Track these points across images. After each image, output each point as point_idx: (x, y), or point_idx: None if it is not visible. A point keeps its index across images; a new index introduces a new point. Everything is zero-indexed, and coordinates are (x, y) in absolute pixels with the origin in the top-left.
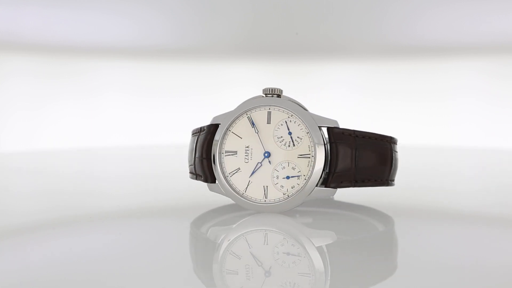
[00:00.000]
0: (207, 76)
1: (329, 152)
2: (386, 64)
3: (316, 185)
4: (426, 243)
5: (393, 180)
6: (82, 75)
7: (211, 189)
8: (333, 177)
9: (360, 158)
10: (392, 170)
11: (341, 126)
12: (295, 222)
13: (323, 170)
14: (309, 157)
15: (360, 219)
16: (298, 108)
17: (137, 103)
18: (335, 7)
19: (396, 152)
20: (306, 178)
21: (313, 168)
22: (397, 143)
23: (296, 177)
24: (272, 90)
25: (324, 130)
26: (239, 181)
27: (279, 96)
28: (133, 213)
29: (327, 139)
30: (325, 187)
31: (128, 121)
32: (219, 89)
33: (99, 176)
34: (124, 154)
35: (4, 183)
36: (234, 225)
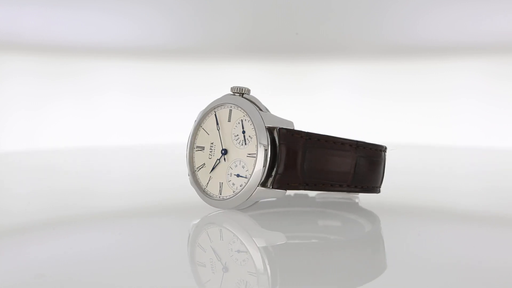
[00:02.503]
0: (207, 76)
1: (278, 153)
2: (386, 64)
3: (258, 185)
4: (416, 241)
5: (361, 187)
6: (82, 75)
7: (190, 183)
8: (275, 178)
9: (310, 160)
10: (354, 175)
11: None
12: (251, 221)
13: (263, 170)
14: (254, 157)
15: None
16: (252, 109)
17: (137, 103)
18: (335, 7)
19: (364, 157)
20: (248, 178)
21: (254, 168)
22: (371, 148)
23: (244, 176)
24: (236, 89)
25: None
26: (203, 176)
27: (241, 95)
28: (133, 213)
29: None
30: (271, 188)
31: (128, 121)
32: (219, 89)
33: (99, 176)
34: (124, 154)
35: (4, 183)
36: (196, 221)
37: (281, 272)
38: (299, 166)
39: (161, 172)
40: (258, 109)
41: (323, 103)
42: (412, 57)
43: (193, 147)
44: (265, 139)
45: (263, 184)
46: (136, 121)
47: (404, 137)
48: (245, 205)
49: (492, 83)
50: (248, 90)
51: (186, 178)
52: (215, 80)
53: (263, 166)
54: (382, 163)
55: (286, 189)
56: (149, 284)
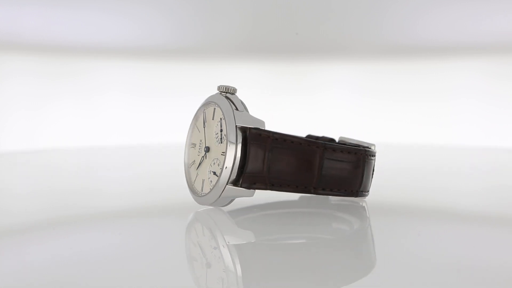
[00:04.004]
0: (207, 76)
1: (247, 152)
2: (386, 64)
3: (228, 184)
4: (412, 241)
5: (325, 189)
6: (82, 75)
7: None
8: (243, 177)
9: (274, 161)
10: (320, 177)
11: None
12: (228, 219)
13: (231, 169)
14: (225, 155)
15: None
16: (228, 108)
17: (137, 103)
18: (335, 7)
19: (333, 160)
20: (219, 176)
21: (223, 166)
22: (342, 150)
23: (217, 174)
24: (221, 88)
25: None
26: (192, 173)
27: (226, 93)
28: (133, 213)
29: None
30: (240, 186)
31: (128, 121)
32: None
33: (99, 175)
34: (124, 154)
35: (4, 182)
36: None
37: (249, 270)
38: (265, 166)
39: (161, 172)
40: (234, 108)
41: (323, 103)
42: (412, 57)
43: (188, 143)
44: (234, 138)
45: (235, 182)
46: (136, 121)
47: (404, 137)
48: (223, 203)
49: (492, 83)
50: (234, 90)
51: (194, 183)
52: (215, 80)
53: (231, 165)
54: (361, 166)
55: (253, 188)
56: (149, 284)
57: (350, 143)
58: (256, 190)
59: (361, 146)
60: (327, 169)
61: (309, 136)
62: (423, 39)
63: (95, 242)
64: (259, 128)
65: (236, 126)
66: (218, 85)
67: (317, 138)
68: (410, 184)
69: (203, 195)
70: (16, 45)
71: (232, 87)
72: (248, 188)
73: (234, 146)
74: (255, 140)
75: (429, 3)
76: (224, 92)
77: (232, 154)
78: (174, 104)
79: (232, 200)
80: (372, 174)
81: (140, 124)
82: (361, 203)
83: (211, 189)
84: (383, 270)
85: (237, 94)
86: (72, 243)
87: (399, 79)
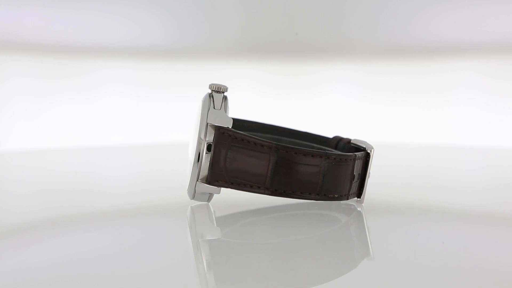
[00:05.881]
0: (207, 76)
1: (213, 150)
2: (386, 64)
3: (197, 180)
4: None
5: (277, 190)
6: (82, 75)
7: None
8: (211, 175)
9: (231, 159)
10: (272, 179)
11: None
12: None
13: (199, 166)
14: (194, 152)
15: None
16: (205, 105)
17: (137, 103)
18: (335, 7)
19: (285, 161)
20: (190, 172)
21: (193, 163)
22: (296, 152)
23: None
24: (211, 86)
25: None
26: (188, 169)
27: (212, 91)
28: (134, 212)
29: None
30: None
31: (128, 121)
32: None
33: (99, 175)
34: (124, 154)
35: (4, 182)
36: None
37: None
38: (223, 164)
39: (160, 172)
40: (212, 106)
41: (323, 103)
42: (412, 57)
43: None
44: (203, 135)
45: (207, 179)
46: (136, 121)
47: (404, 137)
48: (203, 198)
49: (492, 83)
50: (221, 88)
51: (186, 178)
52: (214, 80)
53: (197, 161)
54: (322, 170)
55: (217, 185)
56: (149, 284)
57: (359, 145)
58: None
59: (327, 149)
60: (278, 169)
61: (335, 138)
62: (423, 39)
63: (95, 241)
64: (222, 127)
65: (207, 124)
66: (210, 83)
67: (340, 139)
68: (409, 184)
69: (186, 189)
70: (16, 45)
71: (222, 85)
72: (213, 185)
73: (201, 143)
74: (219, 138)
75: (429, 3)
76: (212, 90)
77: (199, 151)
78: (174, 104)
79: (210, 195)
80: (363, 177)
81: (140, 124)
82: (358, 205)
83: (188, 185)
84: (370, 267)
85: (226, 93)
86: (72, 243)
87: (399, 79)
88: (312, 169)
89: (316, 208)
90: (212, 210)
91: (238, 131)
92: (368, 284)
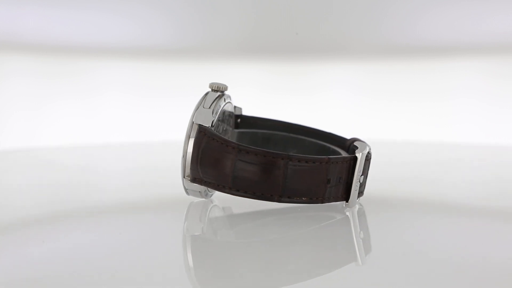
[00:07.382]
0: (207, 76)
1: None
2: (386, 64)
3: (184, 177)
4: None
5: (239, 190)
6: (82, 75)
7: None
8: (190, 173)
9: (202, 158)
10: (234, 179)
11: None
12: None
13: (184, 163)
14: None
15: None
16: (197, 104)
17: (137, 103)
18: (335, 7)
19: (247, 162)
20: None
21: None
22: (257, 153)
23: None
24: (211, 85)
25: None
26: None
27: (210, 91)
28: (133, 210)
29: None
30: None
31: (128, 121)
32: None
33: (99, 174)
34: (124, 154)
35: (4, 180)
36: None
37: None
38: (196, 163)
39: (160, 172)
40: (202, 105)
41: (323, 103)
42: (412, 57)
43: None
44: (188, 133)
45: (190, 176)
46: (136, 121)
47: (404, 137)
48: (196, 195)
49: (492, 83)
50: (219, 87)
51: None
52: (214, 80)
53: (182, 158)
54: (275, 170)
55: (195, 183)
56: (148, 282)
57: (356, 146)
58: None
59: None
60: (238, 170)
61: (351, 139)
62: (423, 39)
63: (94, 238)
64: (202, 125)
65: (193, 122)
66: (210, 82)
67: (354, 140)
68: (410, 184)
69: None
70: (16, 45)
71: (221, 85)
72: (193, 182)
73: (187, 141)
74: (197, 137)
75: (429, 3)
76: (211, 89)
77: (185, 149)
78: (174, 104)
79: (206, 192)
80: (350, 180)
81: (140, 124)
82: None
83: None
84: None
85: (227, 92)
86: (71, 239)
87: (399, 79)
88: (263, 170)
89: (313, 210)
90: (210, 208)
91: (213, 131)
92: (367, 281)
